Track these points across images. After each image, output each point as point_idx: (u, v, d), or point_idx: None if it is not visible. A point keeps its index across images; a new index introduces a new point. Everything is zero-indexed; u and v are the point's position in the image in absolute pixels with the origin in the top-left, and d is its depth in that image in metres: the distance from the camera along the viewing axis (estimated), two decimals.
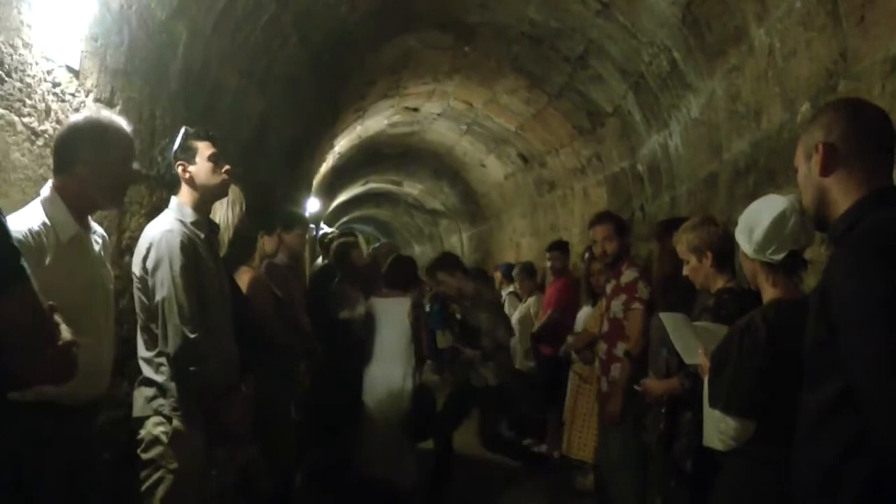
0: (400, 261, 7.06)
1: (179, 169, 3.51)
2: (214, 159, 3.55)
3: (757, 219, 2.92)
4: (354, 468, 6.16)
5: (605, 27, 6.30)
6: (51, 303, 1.88)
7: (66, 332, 1.93)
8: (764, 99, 4.56)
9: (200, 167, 3.52)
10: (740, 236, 3.00)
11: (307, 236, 6.92)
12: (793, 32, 4.06)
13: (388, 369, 6.22)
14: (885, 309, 1.82)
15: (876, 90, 3.30)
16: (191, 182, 3.53)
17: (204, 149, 3.53)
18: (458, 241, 18.00)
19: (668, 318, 3.64)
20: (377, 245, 11.36)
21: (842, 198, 2.11)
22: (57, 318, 1.92)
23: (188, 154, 3.51)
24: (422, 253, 22.81)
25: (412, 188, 18.13)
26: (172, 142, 3.54)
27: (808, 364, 2.13)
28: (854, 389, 1.88)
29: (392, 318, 6.35)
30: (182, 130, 3.56)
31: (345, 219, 22.76)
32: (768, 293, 2.95)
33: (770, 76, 4.42)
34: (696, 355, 3.24)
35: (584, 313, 7.21)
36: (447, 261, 7.17)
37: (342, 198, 18.38)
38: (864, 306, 1.86)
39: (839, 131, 2.11)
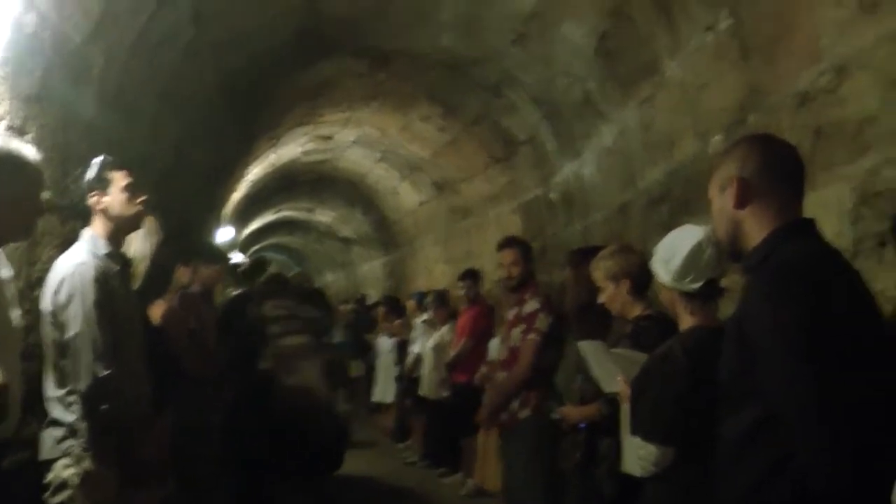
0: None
1: (93, 199, 3.43)
2: (130, 190, 3.47)
3: (674, 249, 2.97)
4: (273, 497, 6.07)
5: (519, 56, 6.38)
6: None
7: None
8: (677, 130, 4.68)
9: (115, 198, 3.44)
10: (658, 266, 3.04)
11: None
12: (704, 66, 4.19)
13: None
14: (801, 337, 1.88)
15: (786, 123, 3.42)
16: (105, 213, 3.45)
17: (119, 179, 3.45)
18: (371, 268, 17.90)
19: (586, 346, 3.66)
20: (290, 275, 11.28)
21: (755, 230, 2.17)
22: None
23: (103, 184, 3.43)
24: (334, 281, 22.66)
25: (324, 216, 17.99)
26: (86, 171, 3.45)
27: (724, 392, 2.18)
28: (776, 416, 1.94)
29: None
30: (99, 160, 3.47)
31: (257, 246, 22.49)
32: (686, 321, 3.00)
33: (682, 108, 4.54)
34: (616, 383, 3.28)
35: (498, 341, 7.24)
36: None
37: (255, 225, 18.15)
38: (781, 335, 1.91)
39: (753, 166, 2.18)
